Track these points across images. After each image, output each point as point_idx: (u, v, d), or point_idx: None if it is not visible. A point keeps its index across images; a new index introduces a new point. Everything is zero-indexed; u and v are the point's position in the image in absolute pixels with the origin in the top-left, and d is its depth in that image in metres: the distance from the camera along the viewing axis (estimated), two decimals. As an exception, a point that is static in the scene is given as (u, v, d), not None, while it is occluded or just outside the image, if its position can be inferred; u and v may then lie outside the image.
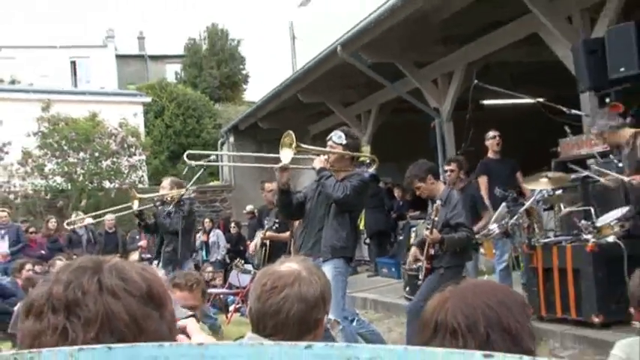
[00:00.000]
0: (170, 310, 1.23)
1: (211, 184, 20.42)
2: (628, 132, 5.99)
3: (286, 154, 5.43)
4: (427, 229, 6.04)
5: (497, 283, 1.80)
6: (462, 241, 6.00)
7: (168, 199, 8.68)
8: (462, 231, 5.94)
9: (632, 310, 2.84)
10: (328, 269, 5.30)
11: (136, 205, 8.78)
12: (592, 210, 6.64)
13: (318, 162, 5.65)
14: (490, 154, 8.66)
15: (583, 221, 6.55)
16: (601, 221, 6.35)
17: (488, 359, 0.67)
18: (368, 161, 6.12)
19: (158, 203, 8.97)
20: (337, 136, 5.73)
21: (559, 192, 7.37)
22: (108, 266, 1.20)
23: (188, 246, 9.17)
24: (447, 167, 8.29)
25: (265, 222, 8.83)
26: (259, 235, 8.97)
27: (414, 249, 6.49)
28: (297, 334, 2.15)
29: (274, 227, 8.39)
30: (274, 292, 2.17)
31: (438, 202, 5.94)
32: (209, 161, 9.79)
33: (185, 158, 6.95)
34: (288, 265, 2.30)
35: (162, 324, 1.17)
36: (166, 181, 9.08)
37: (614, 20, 7.70)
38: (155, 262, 9.72)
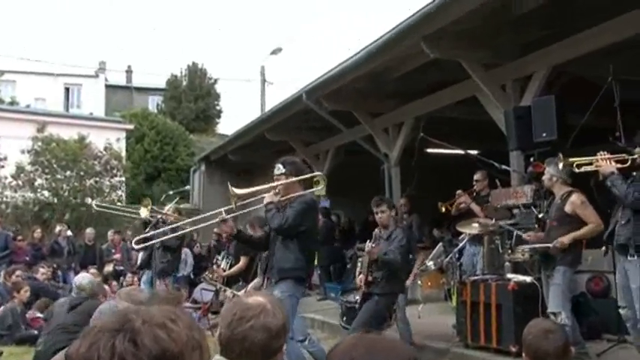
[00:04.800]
0: None
1: (181, 206, 20.36)
2: (565, 188, 6.18)
3: (229, 207, 5.52)
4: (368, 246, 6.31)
5: (394, 342, 1.87)
6: (395, 262, 6.30)
7: (169, 220, 9.20)
8: (392, 254, 6.30)
9: (523, 355, 2.97)
10: (277, 292, 5.29)
11: (143, 213, 9.21)
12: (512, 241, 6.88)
13: (267, 198, 5.59)
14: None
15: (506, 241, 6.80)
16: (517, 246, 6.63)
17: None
18: (316, 179, 5.81)
19: (160, 221, 9.27)
20: (276, 169, 5.66)
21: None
22: (127, 327, 1.19)
23: (178, 261, 10.50)
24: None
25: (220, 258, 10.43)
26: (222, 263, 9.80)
27: (362, 275, 6.59)
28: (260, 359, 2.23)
29: (229, 265, 9.67)
30: (242, 321, 2.22)
31: (376, 231, 6.55)
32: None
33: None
34: (256, 298, 2.37)
35: None
36: (170, 205, 9.77)
37: (539, 91, 7.99)
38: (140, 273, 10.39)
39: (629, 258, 5.30)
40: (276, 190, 5.60)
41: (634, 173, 5.39)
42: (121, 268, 13.86)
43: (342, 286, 11.63)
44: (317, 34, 68.96)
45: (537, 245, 6.26)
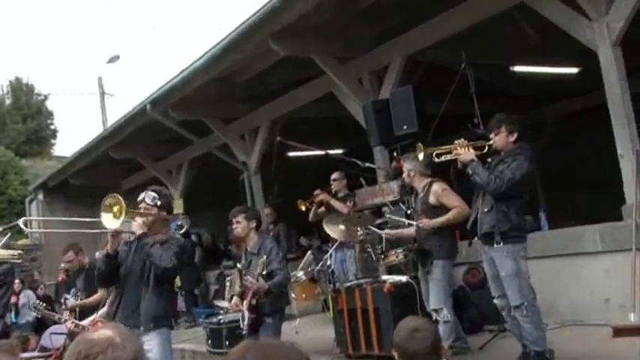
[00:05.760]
0: None
1: (19, 242, 19.32)
2: (425, 180, 6.42)
3: (112, 220, 4.89)
4: (248, 279, 6.05)
5: (285, 346, 1.98)
6: (283, 282, 6.16)
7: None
8: (278, 273, 6.06)
9: (394, 353, 3.08)
10: (154, 343, 5.03)
11: None
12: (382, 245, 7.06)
13: (137, 226, 5.08)
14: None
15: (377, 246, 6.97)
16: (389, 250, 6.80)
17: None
18: (180, 223, 5.69)
19: None
20: (151, 198, 5.24)
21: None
22: None
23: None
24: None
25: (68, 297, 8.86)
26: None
27: (235, 299, 6.36)
28: None
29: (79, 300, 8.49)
30: (88, 359, 2.14)
31: (242, 262, 6.23)
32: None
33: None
34: (102, 332, 2.29)
35: None
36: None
37: (397, 82, 8.24)
38: None
39: (495, 246, 5.45)
40: (146, 220, 5.17)
41: (489, 159, 5.69)
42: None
43: (212, 309, 11.51)
44: (159, 38, 67.84)
45: (399, 224, 6.50)
